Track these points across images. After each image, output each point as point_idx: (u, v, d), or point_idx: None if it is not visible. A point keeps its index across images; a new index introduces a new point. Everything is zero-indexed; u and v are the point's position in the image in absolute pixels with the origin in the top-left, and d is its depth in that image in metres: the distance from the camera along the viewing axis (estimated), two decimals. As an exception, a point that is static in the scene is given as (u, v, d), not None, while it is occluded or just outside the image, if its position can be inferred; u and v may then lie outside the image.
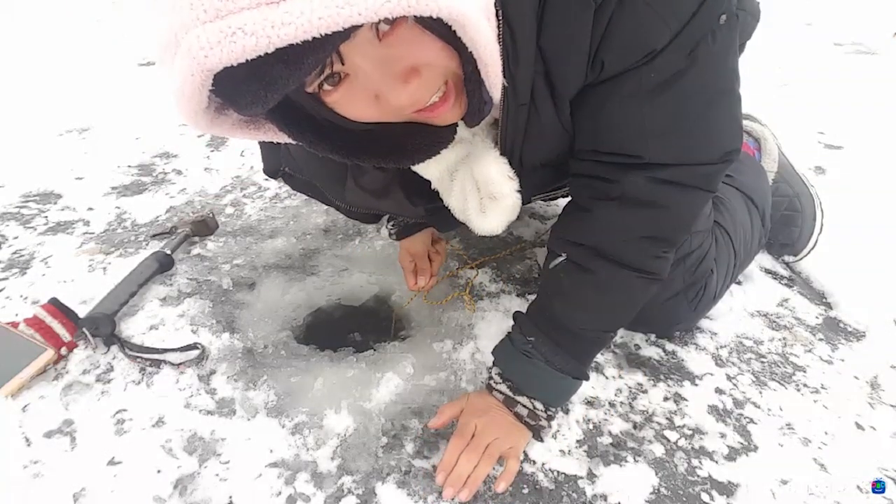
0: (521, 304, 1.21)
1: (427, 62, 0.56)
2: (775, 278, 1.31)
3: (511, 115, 0.71)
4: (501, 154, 0.77)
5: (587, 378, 0.90)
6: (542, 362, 0.86)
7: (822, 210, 1.28)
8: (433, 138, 0.68)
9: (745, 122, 1.28)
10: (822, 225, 1.28)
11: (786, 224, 1.29)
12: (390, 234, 1.16)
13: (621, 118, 0.72)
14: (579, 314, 0.85)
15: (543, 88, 0.70)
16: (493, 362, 0.92)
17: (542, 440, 0.93)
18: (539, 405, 0.88)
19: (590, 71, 0.69)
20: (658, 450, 0.93)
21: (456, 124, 0.69)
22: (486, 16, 0.58)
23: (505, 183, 0.78)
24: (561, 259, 0.84)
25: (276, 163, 1.03)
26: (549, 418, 0.90)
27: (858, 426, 0.98)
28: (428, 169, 0.81)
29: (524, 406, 0.88)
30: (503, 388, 0.89)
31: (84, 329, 1.07)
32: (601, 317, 0.86)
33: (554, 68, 0.69)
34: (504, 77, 0.64)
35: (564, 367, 0.86)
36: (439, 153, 0.70)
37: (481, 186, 0.79)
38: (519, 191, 0.79)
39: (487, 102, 0.63)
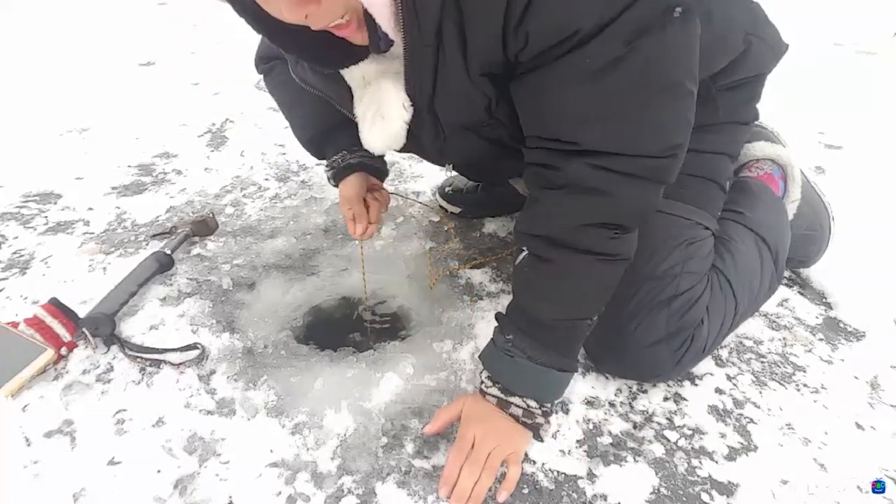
0: (521, 304, 1.21)
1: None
2: (775, 278, 1.31)
3: (415, 54, 0.73)
4: (409, 93, 0.81)
5: (574, 369, 0.90)
6: (524, 359, 0.85)
7: (833, 219, 1.25)
8: (347, 52, 0.78)
9: (768, 147, 1.21)
10: (832, 233, 1.25)
11: (805, 243, 1.25)
12: (329, 180, 1.13)
13: (559, 104, 0.73)
14: (546, 306, 0.85)
15: (454, 37, 0.71)
16: (482, 366, 0.92)
17: (541, 439, 0.93)
18: (532, 403, 0.88)
19: (512, 39, 0.70)
20: (658, 450, 0.93)
21: (367, 46, 0.76)
22: None
23: (396, 107, 0.82)
24: (524, 253, 0.85)
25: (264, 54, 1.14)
26: (546, 415, 0.89)
27: (858, 426, 0.98)
28: (350, 73, 0.86)
29: (517, 406, 0.88)
30: (494, 390, 0.89)
31: (84, 329, 1.07)
32: (568, 305, 0.85)
33: (469, 22, 0.70)
34: (404, 16, 0.68)
35: (547, 362, 0.85)
36: (349, 66, 0.81)
37: (379, 104, 0.84)
38: (441, 146, 0.88)
39: (382, 38, 0.73)
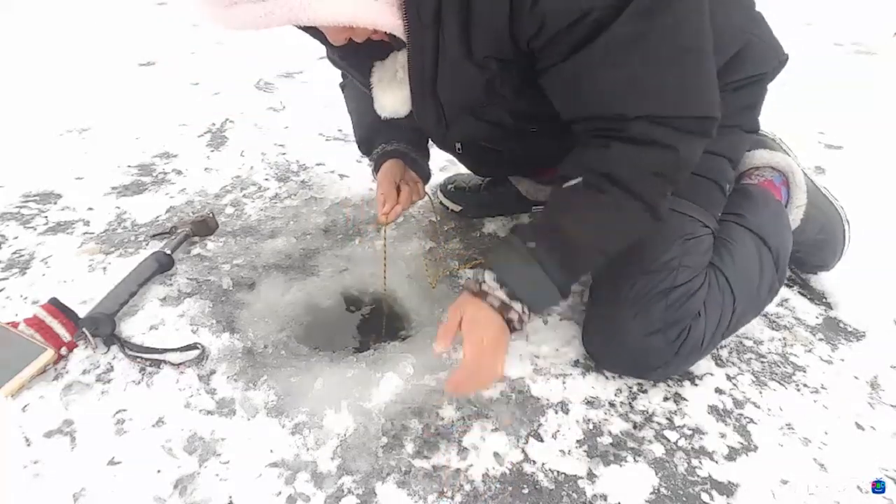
0: (521, 304, 1.21)
1: (356, 28, 0.82)
2: (775, 278, 1.31)
3: (415, 36, 0.82)
4: (410, 74, 0.89)
5: (567, 296, 0.93)
6: (538, 269, 0.88)
7: (847, 223, 1.24)
8: (379, 48, 0.93)
9: (767, 155, 1.23)
10: (849, 238, 1.24)
11: (820, 249, 1.25)
12: (372, 173, 1.21)
13: (595, 88, 0.80)
14: (586, 229, 0.88)
15: (456, 20, 0.78)
16: (489, 268, 0.92)
17: (541, 439, 0.93)
18: (527, 311, 0.91)
19: (527, 21, 0.75)
20: (658, 450, 0.93)
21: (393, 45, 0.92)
22: None
23: (401, 73, 0.94)
24: (576, 181, 0.88)
25: None
26: (524, 324, 0.93)
27: (858, 426, 0.98)
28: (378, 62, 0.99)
29: (517, 311, 0.90)
30: (500, 293, 0.89)
31: (84, 329, 1.07)
32: (603, 237, 0.90)
33: (475, 4, 0.76)
34: (405, 2, 0.78)
35: (556, 278, 0.88)
36: (382, 58, 0.97)
37: (391, 72, 0.97)
38: (444, 130, 0.97)
39: (398, 38, 0.85)
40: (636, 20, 0.74)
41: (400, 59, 0.94)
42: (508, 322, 0.90)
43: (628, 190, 0.84)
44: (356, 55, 0.98)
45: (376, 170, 1.18)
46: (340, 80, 1.31)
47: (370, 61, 0.99)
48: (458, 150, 1.15)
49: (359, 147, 1.29)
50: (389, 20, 0.80)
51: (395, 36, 0.85)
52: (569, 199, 0.89)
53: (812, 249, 1.24)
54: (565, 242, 0.88)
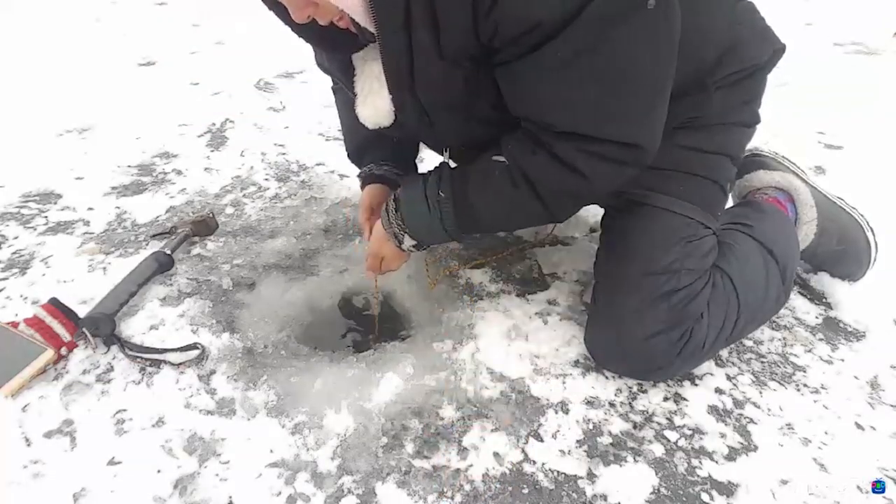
0: (520, 304, 1.21)
1: (319, 4, 0.80)
2: (775, 278, 1.31)
3: (386, 38, 0.81)
4: (386, 75, 0.88)
5: (460, 241, 1.05)
6: (437, 218, 0.98)
7: (871, 229, 1.21)
8: (347, 40, 0.91)
9: (766, 176, 1.22)
10: (876, 244, 1.22)
11: (841, 259, 1.24)
12: (361, 188, 1.24)
13: (534, 91, 0.82)
14: (491, 209, 0.97)
15: (425, 21, 0.78)
16: (397, 206, 1.02)
17: (541, 440, 0.93)
18: (412, 244, 1.05)
19: (483, 26, 0.76)
20: (658, 450, 0.93)
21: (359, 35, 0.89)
22: None
23: (380, 85, 0.92)
24: (503, 160, 0.93)
25: None
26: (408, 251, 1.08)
27: (858, 426, 0.98)
28: (356, 56, 0.97)
29: (407, 243, 1.05)
30: (396, 226, 1.03)
31: (84, 329, 1.07)
32: (503, 219, 1.02)
33: (440, 6, 0.76)
34: (372, 4, 0.77)
35: (449, 229, 0.99)
36: (354, 53, 0.95)
37: (371, 82, 0.96)
38: (427, 128, 0.96)
39: (366, 31, 0.84)
40: (579, 38, 0.73)
41: (375, 70, 0.93)
42: (398, 241, 1.05)
43: (538, 195, 0.90)
44: (337, 53, 0.97)
45: (362, 187, 1.22)
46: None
47: (345, 63, 0.98)
48: (446, 153, 1.13)
49: (349, 158, 1.29)
50: (357, 11, 0.78)
51: (361, 29, 0.84)
52: (487, 176, 0.95)
53: (833, 261, 1.25)
54: (469, 210, 0.97)
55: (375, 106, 0.95)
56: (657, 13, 0.74)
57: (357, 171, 1.27)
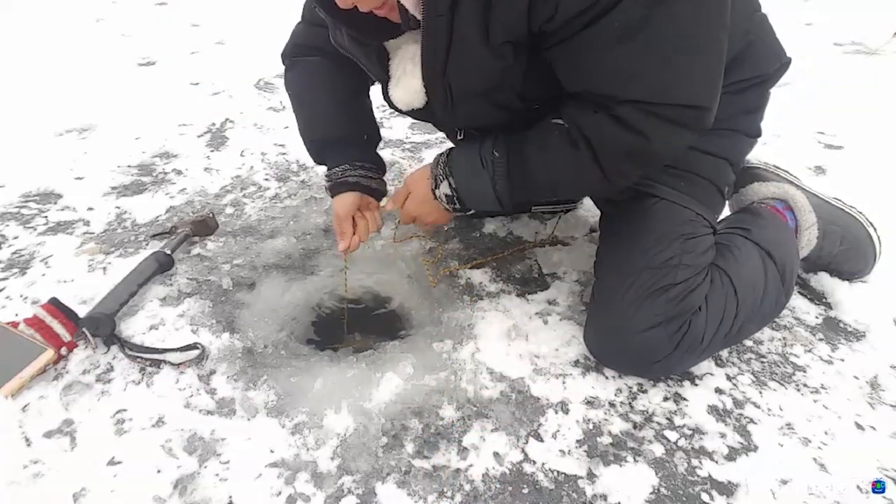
0: (520, 304, 1.21)
1: None
2: (775, 278, 1.31)
3: (430, 24, 0.82)
4: (423, 59, 0.90)
5: (507, 210, 1.05)
6: (488, 179, 0.98)
7: (871, 224, 1.23)
8: (386, 27, 0.91)
9: (762, 188, 1.25)
10: (879, 239, 1.23)
11: (848, 259, 1.24)
12: (325, 189, 1.19)
13: (595, 66, 0.83)
14: (548, 169, 0.95)
15: (473, 9, 0.80)
16: (450, 168, 1.02)
17: (541, 439, 0.93)
18: (459, 205, 1.05)
19: (542, 8, 0.78)
20: (658, 450, 0.93)
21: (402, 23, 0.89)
22: None
23: (416, 67, 0.93)
24: (562, 123, 0.92)
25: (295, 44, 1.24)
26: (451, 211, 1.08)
27: (858, 426, 0.98)
28: (391, 43, 0.99)
29: (454, 212, 1.07)
30: (447, 189, 1.03)
31: (84, 329, 1.07)
32: (558, 181, 0.98)
33: None
34: None
35: (500, 191, 0.99)
36: (391, 38, 0.96)
37: (406, 64, 0.97)
38: (450, 112, 0.96)
39: (411, 18, 0.86)
40: (639, 6, 0.76)
41: (411, 50, 0.94)
42: (440, 200, 1.05)
43: (597, 158, 0.89)
44: (373, 40, 0.97)
45: (332, 196, 1.16)
46: (287, 53, 1.25)
47: (376, 48, 0.98)
48: (460, 136, 1.16)
49: (306, 146, 1.22)
50: (408, 1, 0.81)
51: (403, 14, 0.85)
52: (547, 136, 0.94)
53: (840, 261, 1.25)
54: (524, 170, 0.96)
55: (409, 88, 0.96)
56: None
57: (323, 176, 1.20)
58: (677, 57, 0.80)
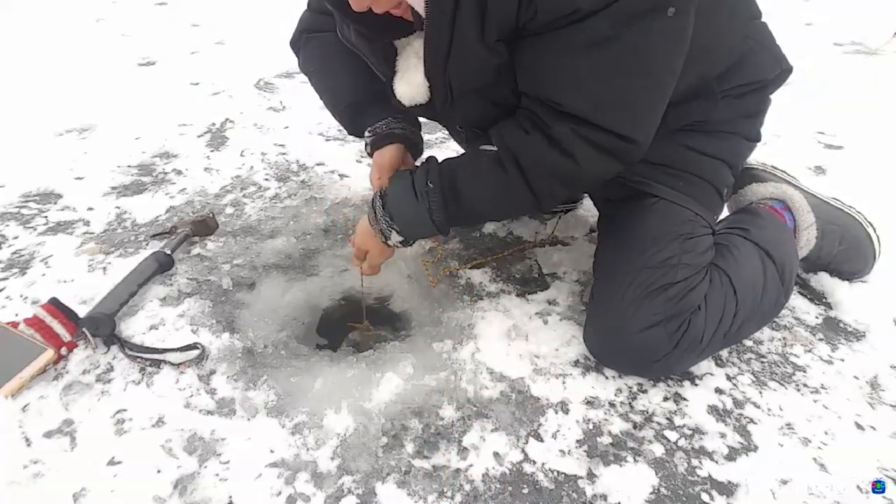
0: (520, 304, 1.21)
1: None
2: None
3: (433, 21, 0.83)
4: (425, 56, 0.90)
5: (444, 234, 1.05)
6: (425, 208, 1.00)
7: (870, 224, 1.23)
8: (398, 26, 0.93)
9: (760, 189, 1.25)
10: (878, 238, 1.23)
11: (847, 258, 1.24)
12: (366, 147, 1.15)
13: (551, 68, 0.86)
14: (479, 196, 0.99)
15: (473, 8, 0.81)
16: (385, 202, 1.03)
17: (541, 440, 0.93)
18: (399, 239, 1.06)
19: (524, 11, 0.81)
20: (658, 450, 0.93)
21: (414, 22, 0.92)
22: None
23: (416, 61, 0.95)
24: (492, 149, 0.97)
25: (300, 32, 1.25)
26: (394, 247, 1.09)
27: (858, 426, 0.98)
28: (400, 40, 1.00)
29: (393, 239, 1.06)
30: (384, 222, 1.04)
31: (84, 329, 1.07)
32: (490, 206, 1.03)
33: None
34: None
35: (439, 224, 1.01)
36: (403, 37, 0.97)
37: (410, 60, 0.98)
38: (449, 107, 0.97)
39: (418, 16, 0.87)
40: (609, 25, 0.79)
41: (415, 46, 0.96)
42: (385, 238, 1.06)
43: (526, 179, 0.93)
44: (385, 39, 0.99)
45: (372, 152, 1.13)
46: (296, 37, 1.24)
47: (382, 44, 0.99)
48: (460, 129, 1.18)
49: (338, 116, 1.21)
50: (418, 2, 0.83)
51: (416, 13, 0.87)
52: (477, 164, 0.99)
53: (840, 261, 1.25)
54: (457, 198, 0.99)
55: (413, 83, 0.97)
56: (676, 21, 0.81)
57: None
58: (625, 83, 0.84)
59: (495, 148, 0.98)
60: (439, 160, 1.03)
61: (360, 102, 1.16)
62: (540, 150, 0.89)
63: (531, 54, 0.87)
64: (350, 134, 1.23)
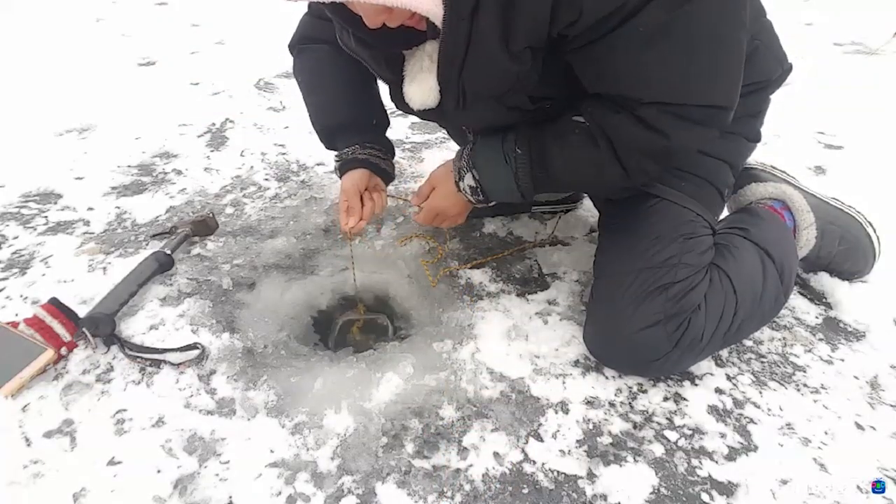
0: (520, 304, 1.21)
1: (393, 10, 0.81)
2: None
3: (451, 26, 0.83)
4: (440, 61, 0.90)
5: (529, 203, 1.07)
6: (511, 172, 1.01)
7: (870, 224, 1.23)
8: (411, 36, 0.92)
9: (760, 188, 1.25)
10: (878, 238, 1.23)
11: (847, 258, 1.24)
12: (335, 170, 1.22)
13: (619, 69, 0.85)
14: (568, 165, 0.98)
15: (494, 14, 0.80)
16: (474, 162, 1.05)
17: (541, 439, 0.93)
18: (483, 198, 1.08)
19: (565, 13, 0.79)
20: (658, 450, 0.93)
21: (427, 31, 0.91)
22: None
23: (432, 66, 0.94)
24: (582, 120, 0.95)
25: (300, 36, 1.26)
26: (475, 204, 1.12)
27: (858, 426, 0.98)
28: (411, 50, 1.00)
29: (477, 204, 1.10)
30: (471, 181, 1.05)
31: (84, 329, 1.07)
32: (578, 177, 1.02)
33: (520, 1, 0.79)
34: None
35: (524, 189, 1.02)
36: (414, 46, 0.96)
37: (422, 63, 0.97)
38: (460, 113, 0.97)
39: (434, 26, 0.86)
40: (661, 11, 0.77)
41: (427, 49, 0.95)
42: (469, 203, 1.10)
43: (616, 155, 0.92)
44: (397, 49, 0.98)
45: (341, 175, 1.20)
46: (295, 42, 1.26)
47: (388, 51, 0.98)
48: (469, 132, 1.18)
49: (318, 132, 1.26)
50: (429, 5, 0.81)
51: (428, 24, 0.86)
52: (568, 133, 0.97)
53: (840, 261, 1.25)
54: (546, 164, 0.99)
55: (424, 86, 0.97)
56: None
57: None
58: (698, 59, 0.82)
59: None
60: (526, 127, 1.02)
61: (334, 126, 1.22)
62: (629, 128, 0.89)
63: (589, 64, 0.87)
64: (326, 149, 1.28)
